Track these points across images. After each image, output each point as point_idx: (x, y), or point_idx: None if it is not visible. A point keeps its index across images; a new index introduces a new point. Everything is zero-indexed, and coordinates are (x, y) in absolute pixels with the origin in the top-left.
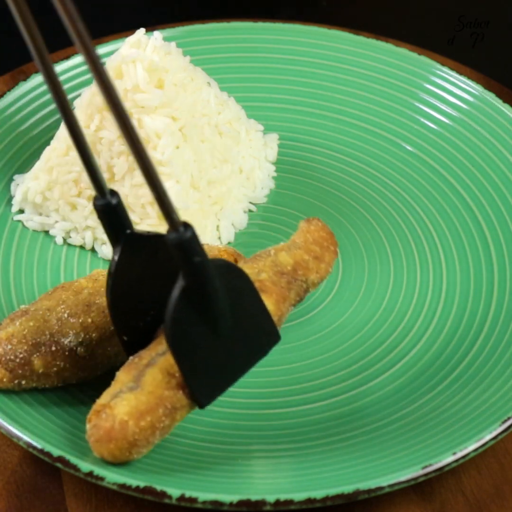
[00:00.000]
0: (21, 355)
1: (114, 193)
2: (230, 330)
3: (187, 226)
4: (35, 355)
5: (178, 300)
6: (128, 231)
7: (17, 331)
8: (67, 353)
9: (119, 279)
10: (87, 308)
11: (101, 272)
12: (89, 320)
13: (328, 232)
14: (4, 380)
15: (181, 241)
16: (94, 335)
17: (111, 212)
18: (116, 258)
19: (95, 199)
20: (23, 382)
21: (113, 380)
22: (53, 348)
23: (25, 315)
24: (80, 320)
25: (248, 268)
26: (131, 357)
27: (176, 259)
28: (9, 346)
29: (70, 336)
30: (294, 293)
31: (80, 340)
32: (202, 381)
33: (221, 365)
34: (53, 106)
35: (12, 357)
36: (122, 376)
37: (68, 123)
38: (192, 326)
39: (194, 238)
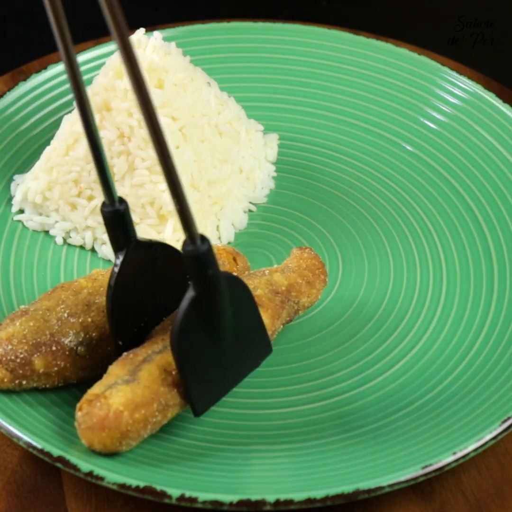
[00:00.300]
0: (21, 355)
1: (122, 201)
2: (232, 341)
3: (204, 239)
4: (35, 355)
5: (187, 310)
6: (133, 239)
7: (17, 331)
8: (67, 352)
9: (120, 285)
10: (87, 307)
11: (101, 272)
12: (89, 319)
13: (320, 261)
14: (5, 380)
15: (197, 253)
16: (94, 334)
17: (118, 219)
18: (118, 264)
19: (103, 206)
20: (24, 382)
21: (106, 373)
22: (54, 348)
23: (25, 315)
24: (80, 320)
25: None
26: (125, 353)
27: (189, 270)
28: (10, 347)
29: (70, 335)
30: (285, 313)
31: (80, 339)
32: (201, 389)
33: (220, 375)
34: (53, 106)
35: (12, 357)
36: (116, 370)
37: (87, 130)
38: (198, 336)
39: (209, 251)
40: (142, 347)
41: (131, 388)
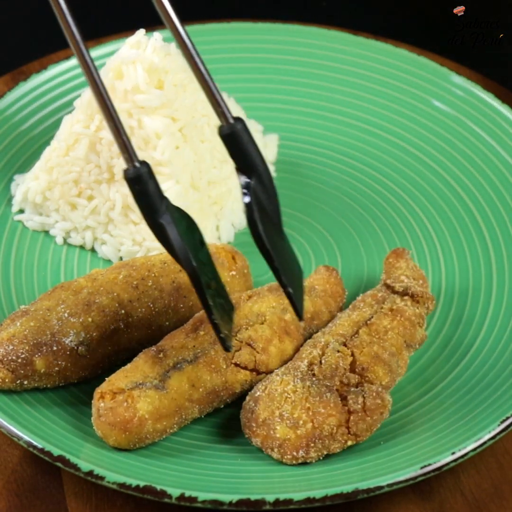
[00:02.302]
0: (22, 356)
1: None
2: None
3: (237, 119)
4: (36, 355)
5: (251, 197)
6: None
7: (18, 331)
8: (68, 352)
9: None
10: (87, 307)
11: (100, 272)
12: (89, 319)
13: (343, 288)
14: (6, 380)
15: (232, 131)
16: (94, 334)
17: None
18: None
19: (129, 171)
20: (25, 382)
21: (130, 363)
22: (55, 348)
23: (26, 315)
24: (81, 320)
25: (273, 300)
26: (153, 348)
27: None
28: (11, 347)
29: (71, 335)
30: (303, 340)
31: (81, 339)
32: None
33: (295, 274)
34: (53, 106)
35: (13, 357)
36: (144, 367)
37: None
38: (268, 227)
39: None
40: (171, 346)
41: (159, 397)
